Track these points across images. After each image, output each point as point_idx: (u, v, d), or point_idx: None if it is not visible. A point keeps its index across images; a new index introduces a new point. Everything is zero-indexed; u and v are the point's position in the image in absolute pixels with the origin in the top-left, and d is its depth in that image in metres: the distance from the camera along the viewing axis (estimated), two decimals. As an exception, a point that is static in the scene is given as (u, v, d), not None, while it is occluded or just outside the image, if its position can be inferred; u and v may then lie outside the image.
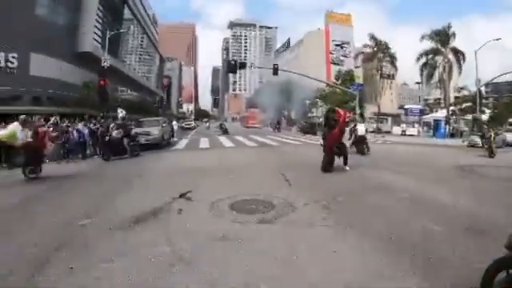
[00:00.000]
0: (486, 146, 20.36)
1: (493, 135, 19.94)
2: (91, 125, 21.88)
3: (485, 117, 46.89)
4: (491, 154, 18.91)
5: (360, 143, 18.75)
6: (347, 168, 12.49)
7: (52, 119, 19.34)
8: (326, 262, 4.68)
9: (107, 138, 18.49)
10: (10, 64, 47.36)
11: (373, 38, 61.43)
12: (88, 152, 20.46)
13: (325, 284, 4.10)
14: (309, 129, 48.97)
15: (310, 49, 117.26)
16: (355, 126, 19.52)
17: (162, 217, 7.04)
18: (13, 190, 11.00)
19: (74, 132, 19.57)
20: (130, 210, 7.42)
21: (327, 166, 12.20)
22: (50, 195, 10.19)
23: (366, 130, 21.61)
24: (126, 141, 18.79)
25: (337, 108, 13.53)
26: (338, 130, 12.34)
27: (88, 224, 6.73)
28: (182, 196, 8.57)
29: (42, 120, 19.72)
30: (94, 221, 6.91)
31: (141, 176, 12.65)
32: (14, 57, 47.43)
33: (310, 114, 73.28)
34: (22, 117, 14.11)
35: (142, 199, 8.59)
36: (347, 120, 13.00)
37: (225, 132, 44.30)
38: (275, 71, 38.21)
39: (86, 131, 20.63)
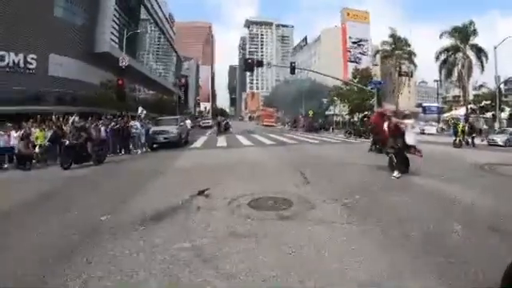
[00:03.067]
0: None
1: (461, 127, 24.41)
2: (112, 123, 21.95)
3: (504, 115, 46.27)
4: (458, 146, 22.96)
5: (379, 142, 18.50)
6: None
7: (71, 119, 19.49)
8: (343, 259, 4.63)
9: (67, 142, 16.23)
10: (29, 65, 48.12)
11: (392, 35, 61.01)
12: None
13: (342, 281, 4.06)
14: (312, 128, 49.40)
15: (327, 46, 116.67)
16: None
17: (181, 214, 7.06)
18: (35, 185, 11.21)
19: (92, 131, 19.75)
20: (148, 207, 7.48)
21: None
22: (71, 191, 10.40)
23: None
24: (90, 146, 16.61)
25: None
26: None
27: (108, 220, 6.82)
28: (200, 193, 8.57)
29: (61, 119, 19.87)
30: (114, 217, 7.00)
31: (159, 174, 12.68)
32: (33, 58, 48.20)
33: (327, 112, 72.93)
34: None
35: (160, 197, 8.62)
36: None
37: (225, 130, 44.01)
38: (292, 70, 38.18)
39: (107, 129, 20.90)
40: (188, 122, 37.49)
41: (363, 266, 4.39)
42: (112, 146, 20.86)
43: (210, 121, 79.07)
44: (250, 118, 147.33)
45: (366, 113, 42.12)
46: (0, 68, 46.40)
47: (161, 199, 8.22)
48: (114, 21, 63.40)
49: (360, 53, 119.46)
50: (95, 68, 56.85)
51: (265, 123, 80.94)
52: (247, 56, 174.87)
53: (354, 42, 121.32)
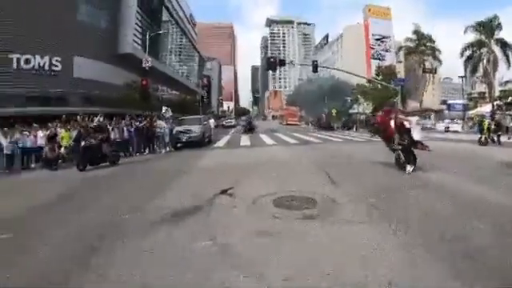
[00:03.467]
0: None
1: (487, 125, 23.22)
2: (137, 123, 22.59)
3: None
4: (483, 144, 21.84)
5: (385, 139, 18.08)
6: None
7: (96, 119, 19.71)
8: (367, 259, 4.57)
9: (83, 143, 15.65)
10: (54, 67, 49.35)
11: (416, 31, 60.29)
12: (131, 149, 21.22)
13: (365, 280, 3.99)
14: (328, 126, 49.25)
15: (350, 44, 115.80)
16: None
17: (204, 212, 7.09)
18: (61, 185, 11.43)
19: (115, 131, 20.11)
20: (172, 205, 7.55)
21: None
22: (95, 190, 10.64)
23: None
24: (105, 147, 16.24)
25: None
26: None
27: (131, 217, 6.94)
28: (223, 192, 8.56)
29: (86, 119, 20.06)
30: (137, 215, 7.08)
31: (183, 173, 12.77)
32: (57, 60, 49.41)
33: (351, 111, 72.40)
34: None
35: (183, 195, 8.66)
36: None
37: (250, 130, 43.45)
38: (315, 68, 37.88)
39: (131, 129, 21.45)
40: (211, 121, 37.64)
41: (387, 266, 4.33)
42: (137, 146, 21.34)
43: (232, 120, 79.49)
44: (273, 117, 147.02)
45: (371, 113, 41.77)
46: (26, 70, 47.39)
47: (184, 198, 8.25)
48: (136, 23, 64.08)
49: (383, 50, 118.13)
50: (119, 69, 57.67)
51: (288, 122, 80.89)
52: (269, 55, 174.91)
53: (376, 39, 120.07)
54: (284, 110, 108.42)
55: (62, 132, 18.42)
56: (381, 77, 56.95)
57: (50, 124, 19.55)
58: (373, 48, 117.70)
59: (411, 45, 62.41)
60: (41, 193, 10.60)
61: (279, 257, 4.73)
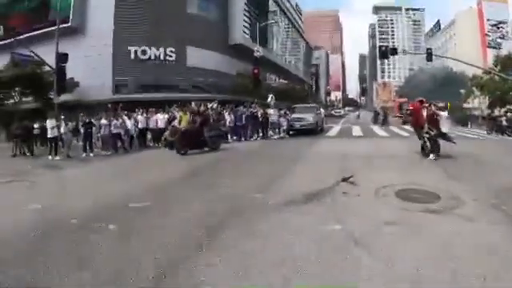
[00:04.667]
0: None
1: None
2: (251, 109, 23.56)
3: None
4: None
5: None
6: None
7: (210, 105, 20.43)
8: (497, 261, 4.37)
9: (183, 128, 16.15)
10: (168, 57, 52.95)
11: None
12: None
13: (488, 280, 3.83)
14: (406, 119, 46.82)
15: (463, 31, 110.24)
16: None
17: (328, 198, 7.25)
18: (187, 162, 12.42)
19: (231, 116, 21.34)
20: (295, 189, 7.79)
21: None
22: (217, 170, 11.63)
23: None
24: (205, 131, 16.21)
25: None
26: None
27: (259, 197, 7.24)
28: (344, 180, 8.56)
29: (202, 106, 20.81)
30: (264, 195, 7.38)
31: (303, 158, 13.36)
32: (171, 51, 52.78)
33: (465, 105, 68.33)
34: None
35: (306, 180, 8.86)
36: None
37: (376, 121, 43.20)
38: (429, 56, 36.21)
39: (246, 115, 22.34)
40: (322, 110, 37.65)
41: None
42: (250, 131, 22.16)
43: (341, 110, 79.67)
44: (382, 109, 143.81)
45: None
46: (142, 61, 51.35)
47: (306, 183, 8.47)
48: (244, 14, 66.23)
49: (500, 37, 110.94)
50: (230, 58, 60.06)
51: (398, 114, 78.60)
52: (377, 43, 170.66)
53: (492, 25, 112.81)
54: (393, 102, 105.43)
55: (180, 115, 19.31)
56: (499, 67, 53.09)
57: (168, 108, 20.82)
58: (488, 35, 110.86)
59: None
60: (168, 169, 11.46)
61: (407, 247, 4.80)
